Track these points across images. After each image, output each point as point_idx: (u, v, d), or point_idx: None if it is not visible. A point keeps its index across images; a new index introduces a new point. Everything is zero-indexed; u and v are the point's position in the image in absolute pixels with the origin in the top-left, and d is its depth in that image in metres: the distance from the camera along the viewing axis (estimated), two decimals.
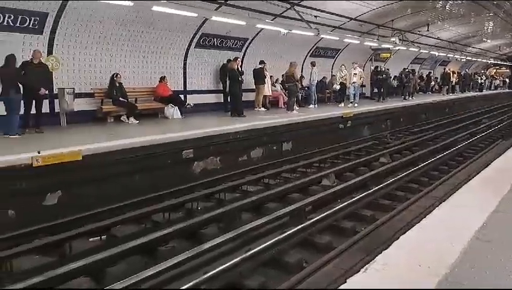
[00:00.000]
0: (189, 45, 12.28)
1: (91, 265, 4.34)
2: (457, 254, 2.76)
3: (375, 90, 20.24)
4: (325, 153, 10.81)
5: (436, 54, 23.74)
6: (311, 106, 15.05)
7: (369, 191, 7.02)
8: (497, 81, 37.50)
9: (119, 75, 10.39)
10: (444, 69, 28.11)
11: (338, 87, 16.62)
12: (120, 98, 10.39)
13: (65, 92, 9.36)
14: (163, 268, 4.21)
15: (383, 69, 19.44)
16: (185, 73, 12.55)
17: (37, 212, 6.00)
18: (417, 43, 21.38)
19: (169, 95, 11.49)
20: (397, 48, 19.22)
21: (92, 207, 6.16)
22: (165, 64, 11.95)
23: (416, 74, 24.54)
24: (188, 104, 11.93)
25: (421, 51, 21.99)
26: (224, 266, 4.25)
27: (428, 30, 20.03)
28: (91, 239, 5.42)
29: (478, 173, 5.35)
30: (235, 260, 4.41)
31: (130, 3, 8.60)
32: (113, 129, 9.46)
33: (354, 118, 13.44)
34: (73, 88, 9.64)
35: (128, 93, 10.73)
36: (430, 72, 28.38)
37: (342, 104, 15.73)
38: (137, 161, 7.33)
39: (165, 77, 11.50)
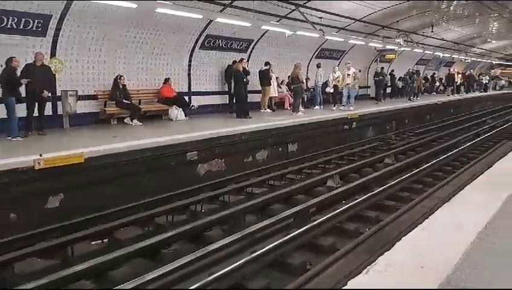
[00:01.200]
0: (194, 47, 12.31)
1: (93, 268, 4.33)
2: (459, 255, 2.72)
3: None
4: (330, 154, 10.77)
5: (441, 55, 23.62)
6: (317, 107, 15.02)
7: (374, 192, 6.98)
8: (502, 82, 37.20)
9: (122, 77, 10.40)
10: (449, 69, 28.02)
11: (332, 90, 15.76)
12: (123, 100, 10.41)
13: (68, 94, 9.38)
14: (167, 271, 4.18)
15: (379, 70, 19.17)
16: (189, 74, 12.59)
17: (39, 215, 6.01)
18: (422, 44, 21.31)
19: (173, 97, 11.52)
20: (402, 49, 19.14)
21: (94, 210, 6.15)
22: (169, 65, 11.99)
23: (421, 74, 24.42)
24: (192, 106, 11.97)
25: (426, 52, 21.89)
26: (228, 268, 4.23)
27: (432, 31, 19.95)
28: (93, 242, 5.41)
29: (482, 174, 5.29)
30: (239, 262, 4.39)
31: (134, 5, 8.63)
32: (116, 131, 9.47)
33: (359, 119, 13.39)
34: (76, 90, 9.67)
35: (132, 95, 10.76)
36: (434, 73, 28.29)
37: (334, 108, 14.90)
38: (141, 163, 7.33)
39: (169, 78, 11.55)
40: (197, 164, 8.32)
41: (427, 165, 9.05)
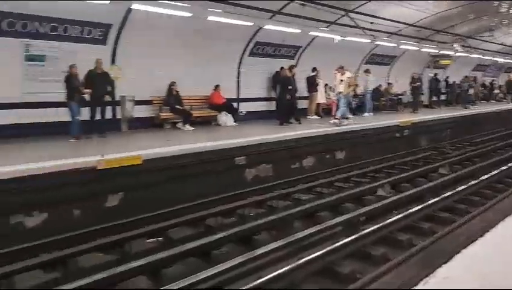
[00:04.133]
0: (243, 54, 12.49)
1: (149, 265, 4.53)
2: None
3: (434, 98, 19.47)
4: (380, 162, 10.49)
5: (502, 60, 22.37)
6: (366, 113, 14.72)
7: (427, 203, 6.73)
8: None
9: (176, 84, 10.78)
10: (509, 76, 26.37)
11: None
12: (176, 106, 10.79)
13: (126, 99, 9.84)
14: (219, 271, 4.30)
15: (416, 76, 18.02)
16: (238, 81, 12.78)
17: (99, 212, 6.34)
18: (479, 49, 20.27)
19: (222, 103, 11.78)
20: (458, 54, 18.32)
21: (150, 209, 6.40)
22: (219, 72, 12.17)
23: (478, 81, 23.22)
24: (240, 112, 12.15)
25: (484, 57, 20.81)
26: (277, 272, 4.28)
27: (492, 35, 18.94)
28: (149, 240, 5.64)
29: None
30: (287, 267, 4.41)
31: (188, 14, 8.89)
32: (170, 135, 9.83)
33: (412, 126, 12.96)
34: (134, 96, 10.09)
35: (183, 101, 11.12)
36: (493, 80, 26.77)
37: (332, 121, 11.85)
38: (193, 166, 7.53)
39: (219, 85, 11.80)
40: (245, 169, 8.43)
41: (487, 176, 8.58)
